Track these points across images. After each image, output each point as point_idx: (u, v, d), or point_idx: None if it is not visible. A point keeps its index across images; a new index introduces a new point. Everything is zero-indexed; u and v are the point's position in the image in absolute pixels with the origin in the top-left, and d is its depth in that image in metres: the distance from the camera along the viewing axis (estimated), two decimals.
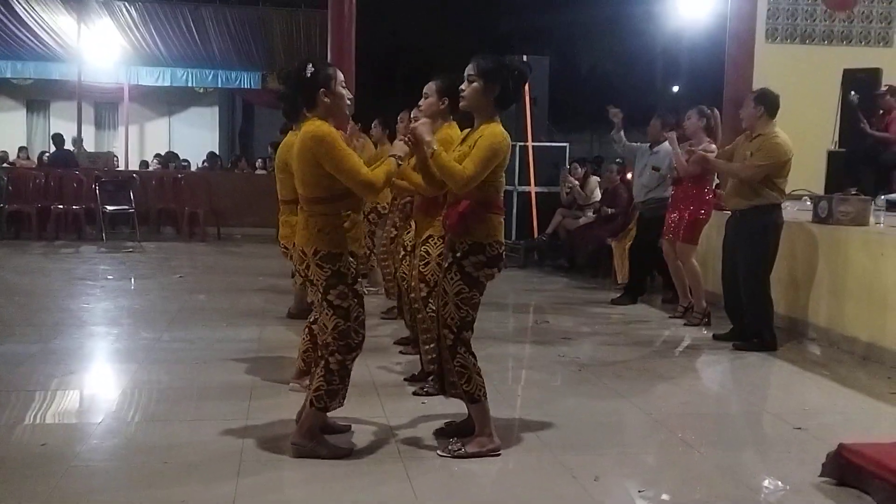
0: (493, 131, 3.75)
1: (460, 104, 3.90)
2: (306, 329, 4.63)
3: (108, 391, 5.02)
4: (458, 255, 3.76)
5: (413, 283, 4.85)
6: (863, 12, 12.47)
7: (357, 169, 3.62)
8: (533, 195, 10.93)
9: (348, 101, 3.86)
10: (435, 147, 3.73)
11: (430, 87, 4.75)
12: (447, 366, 3.86)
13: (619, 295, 8.25)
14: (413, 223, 5.08)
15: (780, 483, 3.69)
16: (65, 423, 4.40)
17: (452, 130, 4.62)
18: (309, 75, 3.70)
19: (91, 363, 5.75)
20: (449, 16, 22.24)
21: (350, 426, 4.16)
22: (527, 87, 10.71)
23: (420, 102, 4.86)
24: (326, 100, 3.72)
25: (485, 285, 3.83)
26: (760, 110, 6.14)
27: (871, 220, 6.51)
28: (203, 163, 17.77)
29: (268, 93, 18.04)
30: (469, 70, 3.80)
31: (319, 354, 3.84)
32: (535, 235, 10.82)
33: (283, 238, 5.17)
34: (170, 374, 5.27)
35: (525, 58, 10.89)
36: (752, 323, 6.23)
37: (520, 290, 8.98)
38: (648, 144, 7.99)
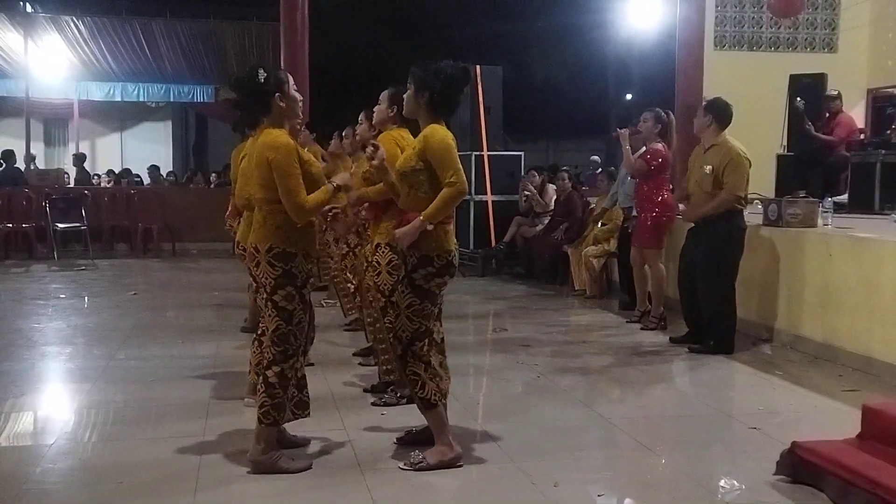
0: (428, 133, 3.81)
1: (400, 119, 4.01)
2: (255, 342, 4.59)
3: (62, 412, 4.92)
4: (409, 268, 3.78)
5: (370, 294, 4.85)
6: (808, 19, 12.76)
7: (296, 190, 3.64)
8: (489, 204, 10.97)
9: (301, 104, 3.91)
10: (420, 218, 3.72)
11: (383, 95, 4.90)
12: (400, 375, 3.86)
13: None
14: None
15: (736, 483, 3.75)
16: (17, 446, 4.31)
17: (403, 132, 4.71)
18: (262, 80, 3.72)
19: (43, 384, 5.63)
20: (402, 27, 22.27)
21: (308, 440, 4.13)
22: (480, 96, 11.00)
23: (374, 108, 4.97)
24: (282, 104, 3.76)
25: (437, 295, 3.84)
26: (709, 119, 6.22)
27: (820, 221, 6.64)
28: (168, 174, 17.56)
29: (221, 106, 17.87)
30: (408, 79, 3.91)
31: (258, 371, 3.81)
32: (493, 244, 10.86)
33: (242, 238, 5.14)
34: (124, 393, 5.18)
35: (478, 68, 10.95)
36: (715, 328, 6.26)
37: (478, 298, 9.00)
38: None
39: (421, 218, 3.73)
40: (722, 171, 6.07)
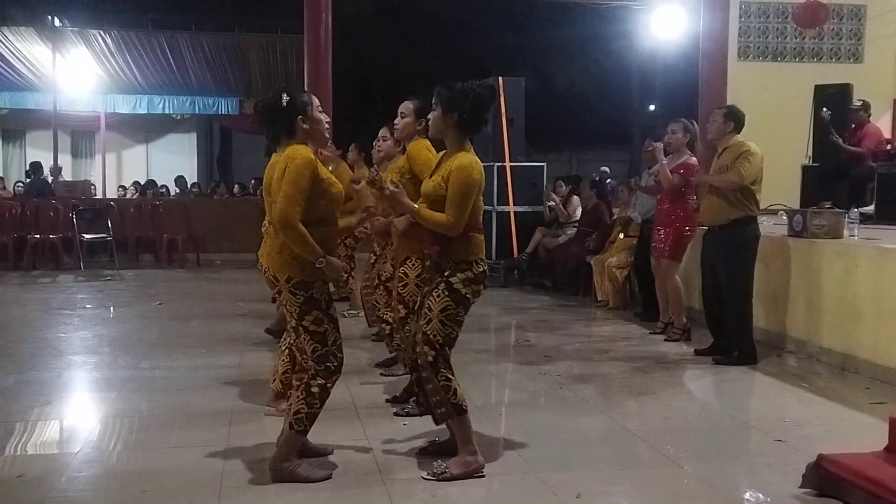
0: (462, 165, 3.78)
1: (428, 132, 4.02)
2: (285, 351, 4.62)
3: (87, 421, 4.96)
4: (447, 273, 3.80)
5: (392, 304, 4.86)
6: (833, 29, 12.67)
7: (294, 199, 3.59)
8: (512, 215, 10.96)
9: (326, 125, 3.90)
10: (416, 206, 3.79)
11: (406, 108, 4.84)
12: (430, 385, 3.82)
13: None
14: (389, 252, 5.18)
15: (761, 495, 3.71)
16: (43, 454, 4.35)
17: (423, 143, 4.70)
18: (285, 104, 3.74)
19: (69, 393, 5.67)
20: (424, 38, 22.36)
21: (331, 449, 4.13)
22: (503, 107, 11.01)
23: (395, 121, 4.92)
24: (305, 126, 3.77)
25: (470, 303, 3.85)
26: (730, 125, 6.28)
27: (846, 232, 6.58)
28: (193, 186, 17.71)
29: (245, 118, 18.04)
30: (433, 99, 3.89)
31: (299, 377, 3.83)
32: (516, 255, 10.85)
33: (262, 257, 5.16)
34: (149, 401, 5.22)
35: (500, 80, 10.96)
36: (735, 335, 6.26)
37: (501, 309, 8.99)
38: (649, 167, 7.98)
39: (416, 207, 3.80)
40: (734, 161, 6.10)
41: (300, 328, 3.73)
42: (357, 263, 8.00)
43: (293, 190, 3.60)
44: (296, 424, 3.73)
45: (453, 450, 3.91)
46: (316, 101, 3.87)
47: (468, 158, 3.81)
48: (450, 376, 3.81)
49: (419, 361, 3.85)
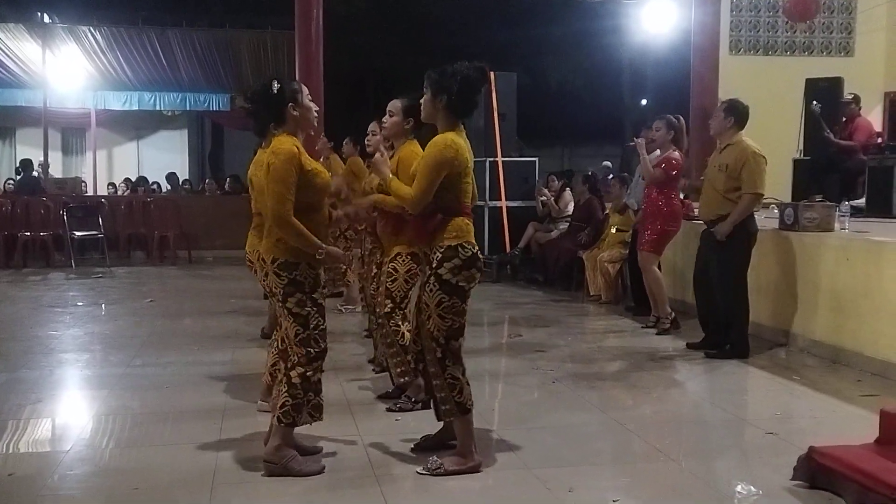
0: (434, 142, 3.79)
1: (420, 117, 4.02)
2: (273, 344, 4.62)
3: (79, 418, 4.95)
4: (434, 265, 3.77)
5: (378, 299, 4.86)
6: (824, 23, 12.70)
7: (283, 196, 3.65)
8: (504, 210, 10.96)
9: (315, 113, 3.95)
10: (388, 176, 3.90)
11: (394, 106, 4.82)
12: (437, 381, 3.80)
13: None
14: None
15: (752, 488, 3.71)
16: (34, 452, 4.34)
17: (414, 147, 4.69)
18: (276, 92, 3.79)
19: (61, 391, 5.66)
20: (416, 34, 22.32)
21: (320, 448, 4.12)
22: (495, 102, 11.00)
23: (384, 119, 4.91)
24: (295, 113, 3.82)
25: (466, 291, 3.79)
26: (730, 121, 6.21)
27: (837, 225, 6.60)
28: (184, 182, 17.64)
29: (237, 114, 17.96)
30: (424, 84, 3.89)
31: (279, 368, 3.86)
32: (508, 250, 10.85)
33: (249, 247, 5.17)
34: (141, 399, 5.21)
35: (492, 75, 10.95)
36: (733, 330, 6.25)
37: (494, 304, 8.99)
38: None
39: (389, 176, 3.95)
40: (739, 170, 6.05)
41: (285, 310, 3.76)
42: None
43: (282, 187, 3.65)
44: (283, 418, 3.75)
45: (445, 443, 3.91)
46: (305, 89, 3.94)
47: (443, 136, 3.79)
48: (457, 375, 3.77)
49: (427, 357, 3.83)
